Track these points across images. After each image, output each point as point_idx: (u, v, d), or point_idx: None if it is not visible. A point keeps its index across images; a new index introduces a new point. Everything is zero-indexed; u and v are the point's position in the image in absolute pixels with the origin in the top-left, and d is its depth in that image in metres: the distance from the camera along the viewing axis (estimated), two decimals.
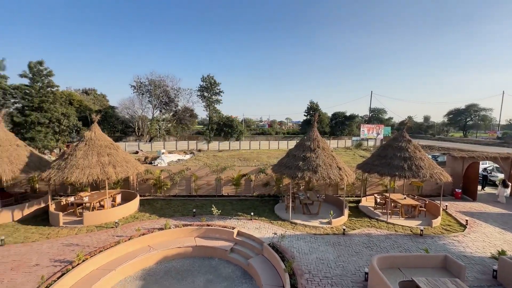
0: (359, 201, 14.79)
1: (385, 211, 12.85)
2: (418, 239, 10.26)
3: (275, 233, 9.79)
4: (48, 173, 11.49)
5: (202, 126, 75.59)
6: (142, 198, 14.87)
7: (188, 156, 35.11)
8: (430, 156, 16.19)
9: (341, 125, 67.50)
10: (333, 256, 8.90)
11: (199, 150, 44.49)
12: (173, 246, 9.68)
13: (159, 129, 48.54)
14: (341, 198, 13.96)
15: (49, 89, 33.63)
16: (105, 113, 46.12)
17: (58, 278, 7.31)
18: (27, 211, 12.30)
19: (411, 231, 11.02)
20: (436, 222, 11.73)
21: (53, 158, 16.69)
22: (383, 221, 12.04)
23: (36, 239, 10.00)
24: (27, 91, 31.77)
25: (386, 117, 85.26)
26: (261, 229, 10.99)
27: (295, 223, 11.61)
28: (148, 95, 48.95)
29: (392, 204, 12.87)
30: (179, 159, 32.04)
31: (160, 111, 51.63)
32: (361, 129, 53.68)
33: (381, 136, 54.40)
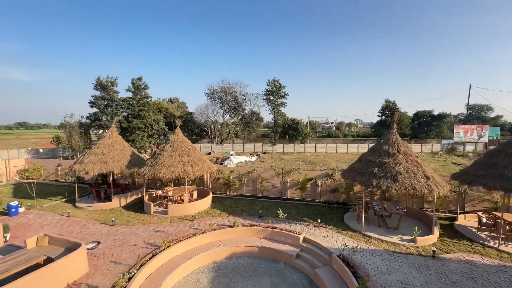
0: (454, 219, 12.12)
1: (495, 234, 10.10)
2: None
3: (345, 245, 8.99)
4: (143, 169, 13.88)
5: (267, 129, 77.54)
6: (214, 195, 16.19)
7: (254, 158, 36.51)
8: None
9: (426, 126, 57.51)
10: (419, 281, 7.51)
11: (264, 152, 45.70)
12: (241, 244, 10.10)
13: (229, 132, 52.28)
14: (428, 213, 11.77)
15: (145, 99, 40.90)
16: (185, 118, 52.83)
17: (150, 258, 8.63)
18: (129, 199, 15.16)
19: None
20: None
21: (147, 157, 20.16)
22: (492, 247, 9.47)
23: (135, 223, 12.16)
24: (130, 102, 39.50)
25: (492, 115, 68.03)
26: (329, 238, 10.31)
27: (369, 236, 10.39)
28: (220, 101, 53.50)
29: (507, 227, 9.99)
30: (246, 161, 33.67)
31: (230, 115, 55.61)
32: (455, 131, 44.51)
33: (485, 139, 43.75)
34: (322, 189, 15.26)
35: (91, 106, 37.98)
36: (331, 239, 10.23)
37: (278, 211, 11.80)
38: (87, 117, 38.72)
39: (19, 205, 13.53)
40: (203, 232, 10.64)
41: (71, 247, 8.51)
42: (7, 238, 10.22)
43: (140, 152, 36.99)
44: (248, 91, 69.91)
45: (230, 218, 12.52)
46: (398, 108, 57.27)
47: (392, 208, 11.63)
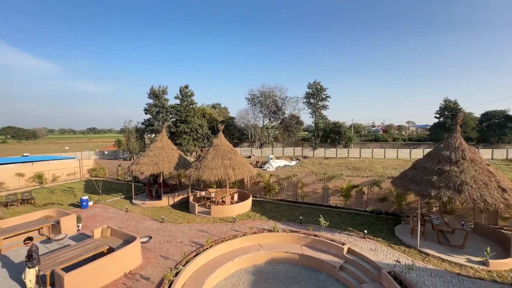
0: None
1: None
2: None
3: (397, 261, 8.11)
4: (189, 171, 14.80)
5: (307, 132, 75.69)
6: (254, 199, 16.35)
7: (294, 162, 35.91)
8: None
9: (498, 128, 49.15)
10: None
11: (305, 157, 44.61)
12: (281, 249, 9.94)
13: (268, 136, 52.57)
14: (505, 231, 9.92)
15: (191, 106, 43.88)
16: (227, 123, 54.97)
17: (194, 256, 9.09)
18: (176, 198, 16.31)
19: None
20: None
21: (192, 159, 21.48)
22: None
23: (181, 221, 12.98)
24: (178, 108, 42.81)
25: None
26: (377, 251, 9.45)
27: (427, 254, 9.20)
28: (259, 105, 54.28)
29: None
30: (285, 165, 33.32)
31: (269, 119, 55.93)
32: None
33: None
34: (368, 198, 14.16)
35: (146, 113, 42.37)
36: (379, 252, 9.36)
37: (320, 219, 11.31)
38: (142, 123, 43.28)
39: (89, 199, 15.70)
40: (244, 235, 10.79)
41: (128, 240, 9.48)
42: (79, 227, 11.92)
43: (186, 155, 39.63)
44: (288, 94, 69.43)
45: (269, 223, 12.46)
46: (460, 109, 50.21)
47: (455, 223, 10.12)
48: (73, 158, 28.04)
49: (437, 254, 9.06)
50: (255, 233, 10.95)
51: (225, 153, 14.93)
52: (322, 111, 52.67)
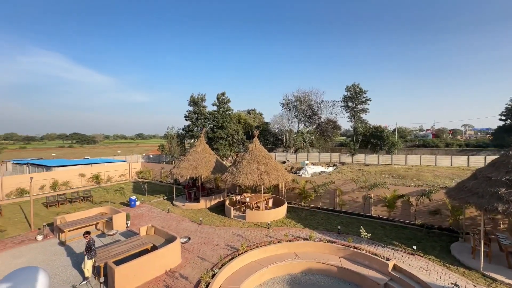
0: None
1: None
2: None
3: (455, 284, 7.10)
4: (226, 175, 15.21)
5: (345, 137, 72.25)
6: (289, 205, 16.05)
7: (331, 169, 34.45)
8: None
9: None
10: None
11: (342, 163, 42.48)
12: (318, 259, 9.51)
13: (303, 141, 51.49)
14: None
15: (227, 112, 45.42)
16: (261, 128, 55.46)
17: (229, 260, 9.22)
18: (213, 202, 16.86)
19: None
20: None
21: (228, 164, 22.08)
22: None
23: (217, 224, 13.35)
24: (215, 115, 44.67)
25: None
26: (429, 271, 8.42)
27: (493, 279, 7.89)
28: (294, 110, 53.63)
29: None
30: (322, 171, 32.14)
31: (304, 124, 54.82)
32: None
33: None
34: (417, 209, 12.79)
35: (186, 119, 45.15)
36: (432, 273, 8.32)
37: (361, 230, 10.55)
38: (183, 129, 46.19)
39: (136, 199, 17.16)
40: (278, 242, 10.61)
41: (170, 239, 10.05)
42: (128, 225, 13.06)
43: (222, 160, 40.95)
44: (324, 98, 67.25)
45: (305, 231, 12.06)
46: None
47: None
48: (124, 161, 31.12)
49: (507, 281, 7.71)
50: (290, 240, 10.69)
51: (260, 158, 15.01)
52: (361, 115, 49.81)
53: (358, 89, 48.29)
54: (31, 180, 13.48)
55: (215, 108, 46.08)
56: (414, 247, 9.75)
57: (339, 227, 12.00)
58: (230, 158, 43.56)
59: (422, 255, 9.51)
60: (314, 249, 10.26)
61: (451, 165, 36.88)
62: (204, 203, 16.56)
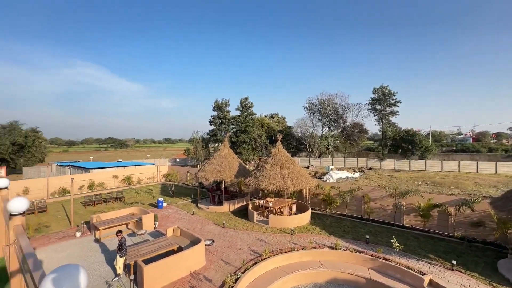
0: None
1: None
2: None
3: None
4: (249, 179, 15.28)
5: (372, 142, 69.00)
6: (313, 211, 15.62)
7: (357, 174, 33.04)
8: None
9: None
10: None
11: (370, 168, 40.55)
12: (344, 269, 9.08)
13: (328, 145, 50.14)
14: None
15: (250, 116, 45.89)
16: (284, 132, 55.08)
17: (252, 265, 9.16)
18: (236, 205, 16.99)
19: None
20: None
21: (251, 168, 22.18)
22: None
23: (240, 228, 13.39)
24: (239, 119, 45.36)
25: None
26: None
27: None
28: (318, 114, 52.56)
29: None
30: (347, 177, 30.94)
31: (329, 128, 53.43)
32: None
33: None
34: (456, 220, 11.71)
35: (210, 124, 46.42)
36: None
37: (392, 240, 9.90)
38: (207, 133, 47.50)
39: (163, 201, 17.89)
40: (302, 249, 10.34)
41: (194, 241, 10.29)
42: (156, 225, 13.62)
43: (245, 164, 41.26)
44: (350, 101, 65.07)
45: (331, 239, 11.62)
46: None
47: None
48: (153, 164, 32.74)
49: None
50: (314, 248, 10.36)
51: (283, 163, 14.85)
52: (390, 118, 47.30)
53: (386, 91, 46.06)
54: (72, 180, 14.70)
55: (238, 112, 46.84)
56: (454, 261, 8.89)
57: (367, 236, 11.39)
58: (253, 162, 43.76)
59: (463, 271, 8.65)
60: (340, 258, 9.83)
61: (496, 172, 33.45)
62: (227, 207, 16.75)
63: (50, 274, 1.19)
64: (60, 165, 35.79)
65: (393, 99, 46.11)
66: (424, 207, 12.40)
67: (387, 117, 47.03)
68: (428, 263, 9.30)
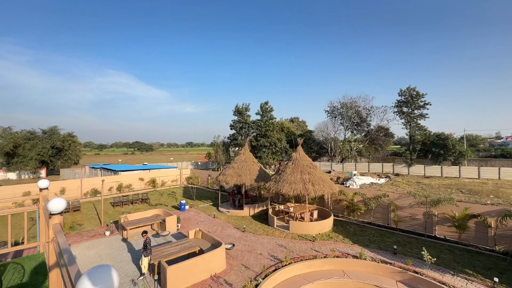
0: None
1: None
2: None
3: None
4: (269, 184, 15.20)
5: (399, 146, 65.59)
6: (335, 218, 15.11)
7: (383, 180, 31.49)
8: None
9: None
10: None
11: (397, 174, 38.47)
12: (370, 281, 8.63)
13: (351, 150, 48.47)
14: None
15: (270, 120, 45.91)
16: (305, 136, 54.26)
17: (273, 271, 9.04)
18: (256, 210, 16.95)
19: None
20: None
21: (271, 172, 22.08)
22: None
23: (260, 233, 13.31)
24: (259, 123, 45.57)
25: None
26: None
27: None
28: (340, 118, 51.13)
29: None
30: (372, 183, 29.61)
31: (352, 131, 51.70)
32: None
33: None
34: (497, 233, 10.65)
35: (231, 128, 47.11)
36: None
37: (423, 252, 9.25)
38: (228, 137, 48.22)
39: (186, 204, 18.37)
40: (325, 257, 10.01)
41: (215, 244, 10.40)
42: (179, 227, 14.00)
43: (265, 168, 41.20)
44: (374, 104, 62.54)
45: (355, 247, 11.13)
46: None
47: None
48: (176, 168, 33.87)
49: None
50: (337, 256, 9.99)
51: (304, 168, 14.59)
52: (419, 121, 44.60)
53: (414, 93, 43.64)
54: (102, 182, 15.66)
55: (258, 117, 47.06)
56: (496, 279, 8.07)
57: (394, 247, 10.74)
58: (272, 167, 43.56)
59: None
60: (365, 268, 9.36)
61: None
62: (247, 211, 16.77)
63: (85, 274, 1.26)
64: (93, 167, 38.34)
65: (421, 101, 43.54)
66: (459, 218, 11.45)
67: (415, 120, 44.42)
68: (465, 279, 8.53)
